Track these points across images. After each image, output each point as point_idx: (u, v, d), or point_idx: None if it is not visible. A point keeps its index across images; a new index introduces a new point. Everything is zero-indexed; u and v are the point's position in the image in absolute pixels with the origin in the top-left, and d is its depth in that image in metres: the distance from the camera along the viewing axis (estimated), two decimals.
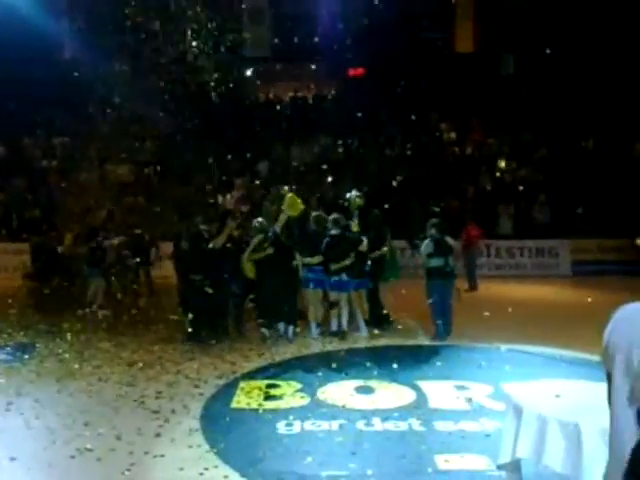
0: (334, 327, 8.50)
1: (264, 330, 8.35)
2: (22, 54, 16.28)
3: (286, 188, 10.63)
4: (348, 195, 9.21)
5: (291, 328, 8.40)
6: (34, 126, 18.45)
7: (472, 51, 19.25)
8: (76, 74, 16.55)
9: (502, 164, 17.67)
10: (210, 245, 8.31)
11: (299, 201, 8.53)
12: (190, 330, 8.35)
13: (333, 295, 8.45)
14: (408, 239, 12.00)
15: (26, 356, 7.69)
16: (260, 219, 8.90)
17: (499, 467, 4.06)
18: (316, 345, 8.15)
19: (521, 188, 16.35)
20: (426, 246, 8.22)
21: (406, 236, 12.05)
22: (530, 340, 7.95)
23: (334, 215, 8.56)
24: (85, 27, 17.45)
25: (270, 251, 8.32)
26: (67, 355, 7.67)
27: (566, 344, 7.69)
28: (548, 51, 17.66)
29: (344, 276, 8.31)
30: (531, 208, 15.84)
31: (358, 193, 9.16)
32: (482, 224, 13.53)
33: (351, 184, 14.78)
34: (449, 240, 8.39)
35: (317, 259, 8.40)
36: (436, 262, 8.15)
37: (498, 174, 17.33)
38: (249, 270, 8.40)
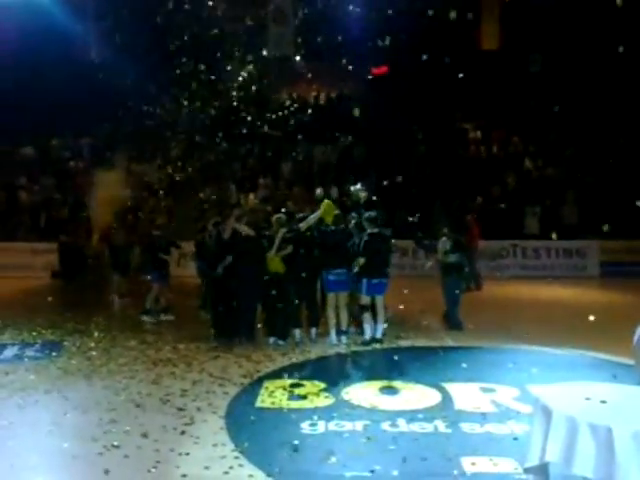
0: (368, 333, 8.12)
1: (272, 339, 8.12)
2: (51, 56, 16.56)
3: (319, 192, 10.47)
4: (352, 188, 9.14)
5: (314, 330, 8.34)
6: (62, 127, 18.74)
7: (497, 48, 19.04)
8: (102, 76, 16.79)
9: (528, 163, 17.44)
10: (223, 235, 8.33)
11: (335, 207, 8.37)
12: (214, 329, 8.40)
13: (365, 299, 8.15)
14: (417, 239, 12.08)
15: (54, 353, 7.81)
16: (280, 215, 8.75)
17: (526, 470, 3.99)
18: (340, 346, 8.11)
19: (548, 188, 16.12)
20: (444, 243, 8.71)
21: (424, 236, 12.05)
22: (557, 342, 7.83)
23: (370, 213, 8.38)
24: (112, 30, 17.68)
25: (290, 250, 8.13)
26: (94, 353, 7.78)
27: (594, 346, 7.57)
28: (574, 48, 17.38)
29: (375, 278, 8.09)
30: (558, 208, 15.61)
31: (361, 187, 9.10)
32: (508, 224, 13.40)
33: (373, 183, 14.76)
34: (462, 238, 9.01)
35: (362, 261, 7.96)
36: (454, 258, 8.63)
37: (524, 173, 17.12)
38: (277, 265, 8.07)
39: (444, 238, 8.72)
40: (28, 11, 15.71)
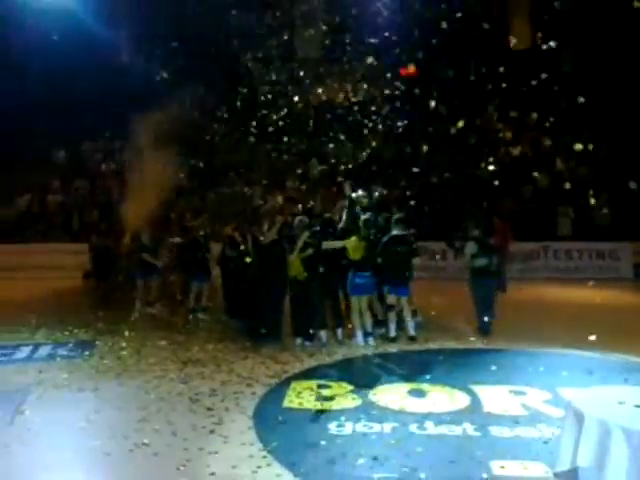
0: (392, 332, 8.29)
1: (299, 340, 8.16)
2: (83, 60, 16.88)
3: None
4: (355, 195, 9.06)
5: (340, 330, 8.35)
6: (95, 130, 19.09)
7: (528, 47, 18.79)
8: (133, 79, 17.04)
9: (560, 164, 17.16)
10: (261, 239, 8.36)
11: (362, 246, 8.17)
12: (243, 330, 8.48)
13: (391, 298, 8.28)
14: (448, 241, 11.92)
15: (86, 353, 7.96)
16: (302, 217, 8.73)
17: (556, 475, 3.93)
18: (367, 347, 8.10)
19: (580, 188, 15.84)
20: (470, 247, 8.50)
21: (449, 238, 11.94)
22: (589, 345, 7.67)
23: (399, 215, 8.42)
24: (142, 34, 17.96)
25: (310, 251, 8.14)
26: (125, 352, 7.91)
27: (627, 350, 7.41)
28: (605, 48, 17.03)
29: (396, 280, 8.19)
30: (591, 209, 15.32)
31: (364, 193, 9.05)
32: (540, 225, 13.20)
33: (400, 184, 14.68)
34: (491, 241, 8.69)
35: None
36: (480, 262, 8.41)
37: (556, 174, 16.84)
38: (297, 268, 8.11)
39: (472, 242, 8.53)
40: (60, 15, 16.07)
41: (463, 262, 8.74)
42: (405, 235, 8.30)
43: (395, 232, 8.26)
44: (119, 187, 17.00)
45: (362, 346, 8.11)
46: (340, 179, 15.05)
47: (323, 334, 8.26)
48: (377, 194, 9.84)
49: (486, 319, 8.41)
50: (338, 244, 8.19)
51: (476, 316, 8.65)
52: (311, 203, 14.69)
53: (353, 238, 8.11)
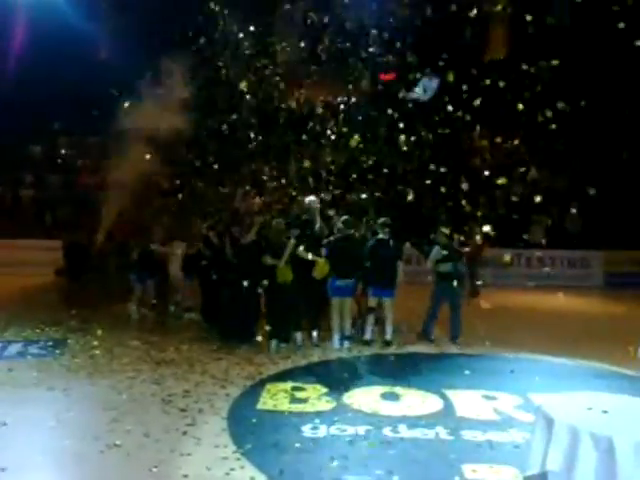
0: (368, 335, 8.37)
1: (274, 343, 8.12)
2: (58, 54, 16.62)
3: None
4: (307, 200, 9.10)
5: (315, 332, 8.36)
6: (69, 126, 18.80)
7: (504, 57, 19.06)
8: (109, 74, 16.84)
9: (534, 172, 17.44)
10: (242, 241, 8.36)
11: (327, 268, 8.18)
12: (218, 332, 8.44)
13: (372, 301, 8.39)
14: (416, 245, 12.10)
15: (57, 351, 7.85)
16: (279, 219, 8.73)
17: (527, 478, 4.00)
18: (342, 350, 8.12)
19: (553, 197, 16.13)
20: (435, 252, 8.62)
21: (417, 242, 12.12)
22: (560, 351, 7.83)
23: (384, 219, 8.49)
24: (120, 29, 17.75)
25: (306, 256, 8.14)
26: (97, 351, 7.80)
27: (597, 356, 7.57)
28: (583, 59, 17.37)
29: (380, 283, 8.26)
30: (563, 218, 15.61)
31: (315, 199, 9.11)
32: (513, 233, 13.40)
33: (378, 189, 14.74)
34: (457, 246, 8.81)
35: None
36: (445, 267, 8.51)
37: (530, 182, 17.12)
38: (285, 273, 8.07)
39: (437, 247, 8.64)
40: (35, 9, 15.81)
41: (428, 266, 8.83)
42: (390, 239, 8.36)
43: (380, 236, 8.34)
44: (94, 183, 16.79)
45: (337, 349, 8.13)
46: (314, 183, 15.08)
47: (299, 336, 8.27)
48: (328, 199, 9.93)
49: (455, 323, 8.52)
50: (309, 256, 8.18)
51: (425, 319, 8.69)
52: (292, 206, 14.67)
53: (322, 260, 8.13)
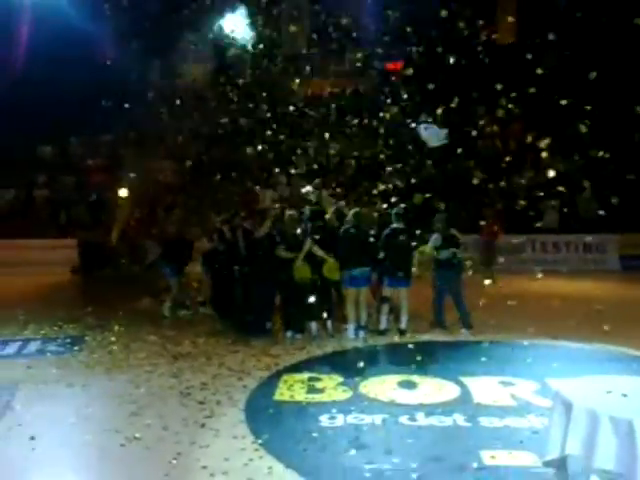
0: (383, 325, 8.42)
1: (289, 333, 8.22)
2: (69, 55, 16.71)
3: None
4: (304, 190, 9.08)
5: (329, 322, 8.39)
6: (80, 126, 18.91)
7: (514, 42, 18.87)
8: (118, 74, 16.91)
9: (545, 157, 17.26)
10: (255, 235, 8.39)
11: (304, 272, 8.21)
12: (232, 324, 8.48)
13: (387, 290, 8.43)
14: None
15: (76, 348, 7.93)
16: (292, 212, 8.75)
17: (546, 464, 3.98)
18: (358, 340, 8.13)
19: (566, 181, 15.97)
20: (434, 240, 8.60)
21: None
22: (577, 336, 7.78)
23: (398, 208, 8.49)
24: (127, 29, 17.80)
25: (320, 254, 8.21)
26: (115, 347, 7.88)
27: (614, 340, 7.50)
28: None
29: (396, 272, 8.25)
30: (577, 202, 15.46)
31: (312, 189, 9.09)
32: (527, 218, 13.31)
33: (391, 180, 14.67)
34: (456, 233, 8.73)
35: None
36: (444, 254, 8.48)
37: (542, 167, 16.96)
38: (303, 271, 8.12)
39: (436, 234, 8.60)
40: (46, 10, 15.89)
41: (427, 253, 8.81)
42: (405, 228, 8.34)
43: (395, 225, 8.33)
44: (106, 182, 16.89)
45: (353, 339, 8.15)
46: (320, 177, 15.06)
47: (313, 326, 8.31)
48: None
49: (463, 311, 8.50)
50: (321, 253, 8.20)
51: (432, 308, 8.72)
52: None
53: (331, 260, 8.16)
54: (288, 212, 8.74)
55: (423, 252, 8.51)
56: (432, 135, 7.99)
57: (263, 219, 8.69)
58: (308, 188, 8.99)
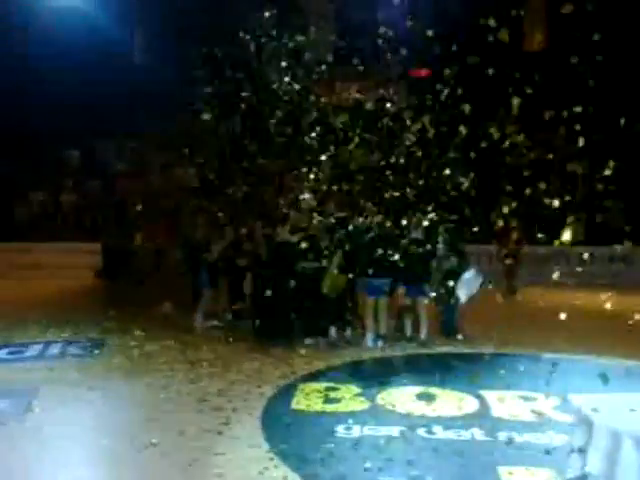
0: (408, 332, 8.49)
1: (309, 341, 8.23)
2: (95, 58, 16.97)
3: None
4: (301, 197, 9.12)
5: (349, 330, 8.39)
6: (107, 130, 19.19)
7: (543, 49, 18.68)
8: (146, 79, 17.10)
9: (573, 167, 17.02)
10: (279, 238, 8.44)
11: (340, 282, 8.23)
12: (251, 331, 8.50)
13: (407, 300, 8.47)
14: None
15: (97, 351, 8.01)
16: (321, 218, 8.82)
17: None
18: (376, 350, 8.08)
19: (594, 192, 15.71)
20: (439, 250, 8.59)
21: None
22: (599, 351, 7.62)
23: (416, 219, 8.52)
24: (156, 34, 18.03)
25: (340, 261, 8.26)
26: (134, 352, 7.94)
27: (638, 356, 7.32)
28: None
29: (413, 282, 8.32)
30: (604, 213, 15.18)
31: (309, 196, 9.12)
32: (552, 229, 13.11)
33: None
34: (460, 244, 8.79)
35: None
36: (449, 265, 8.49)
37: (569, 177, 16.72)
38: (341, 281, 8.13)
39: (440, 245, 8.58)
40: (72, 13, 16.19)
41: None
42: (422, 239, 8.39)
43: (414, 235, 8.41)
44: (132, 187, 17.11)
45: (371, 349, 8.10)
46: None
47: (332, 331, 8.32)
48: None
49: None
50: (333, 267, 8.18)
51: (440, 317, 8.74)
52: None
53: (335, 272, 8.13)
54: (317, 219, 8.79)
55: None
56: (467, 286, 8.11)
57: (283, 221, 8.74)
58: (306, 196, 9.04)
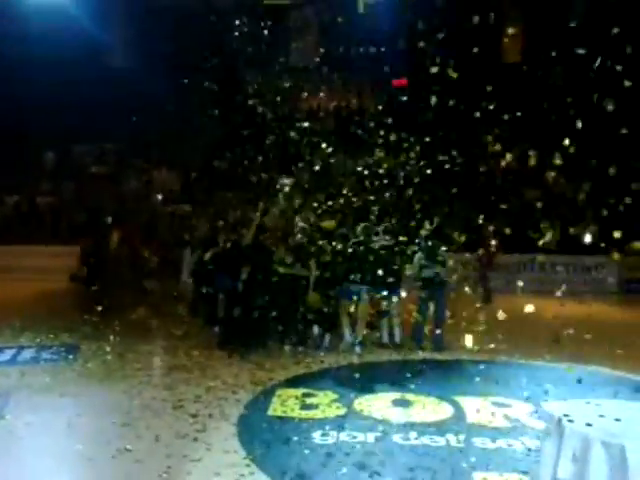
0: (385, 338, 8.57)
1: (287, 346, 8.27)
2: (73, 61, 16.82)
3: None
4: (280, 182, 9.20)
5: (327, 336, 8.42)
6: (85, 133, 19.02)
7: (519, 61, 18.99)
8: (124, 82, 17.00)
9: (548, 177, 17.29)
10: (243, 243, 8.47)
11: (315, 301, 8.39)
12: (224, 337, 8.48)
13: (383, 304, 8.52)
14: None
15: (70, 356, 7.91)
16: (303, 224, 8.89)
17: None
18: (354, 356, 8.11)
19: (567, 202, 15.99)
20: (418, 258, 8.59)
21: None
22: (572, 359, 7.73)
23: (386, 225, 8.61)
24: (135, 36, 17.95)
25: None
26: (109, 357, 7.85)
27: (611, 363, 7.47)
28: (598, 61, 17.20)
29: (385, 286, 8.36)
30: (578, 222, 15.45)
31: (287, 181, 9.20)
32: (526, 238, 13.28)
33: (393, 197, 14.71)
34: (441, 252, 8.67)
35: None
36: (427, 273, 8.47)
37: (544, 187, 16.98)
38: (316, 302, 8.27)
39: (419, 253, 8.59)
40: (52, 19, 16.04)
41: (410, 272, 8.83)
42: (391, 244, 8.49)
43: (383, 241, 8.49)
44: (109, 191, 16.96)
45: (348, 355, 8.13)
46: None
47: (311, 335, 8.42)
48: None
49: (438, 332, 8.44)
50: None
51: (430, 329, 8.65)
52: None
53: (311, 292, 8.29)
54: (300, 225, 8.84)
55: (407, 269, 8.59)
56: None
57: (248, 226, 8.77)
58: (285, 181, 9.04)
